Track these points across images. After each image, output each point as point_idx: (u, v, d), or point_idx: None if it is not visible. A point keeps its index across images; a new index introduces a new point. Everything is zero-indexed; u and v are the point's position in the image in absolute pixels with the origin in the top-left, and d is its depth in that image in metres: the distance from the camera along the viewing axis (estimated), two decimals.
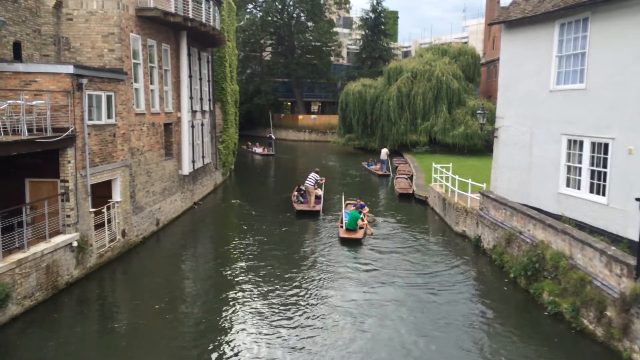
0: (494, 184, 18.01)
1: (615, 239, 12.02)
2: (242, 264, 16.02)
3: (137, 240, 17.46)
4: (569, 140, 14.17)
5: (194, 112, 23.90)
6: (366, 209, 21.60)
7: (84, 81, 13.93)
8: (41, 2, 16.16)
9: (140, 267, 16.00)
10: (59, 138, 12.99)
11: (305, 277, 14.75)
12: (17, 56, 15.45)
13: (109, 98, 15.63)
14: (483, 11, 57.12)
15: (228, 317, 12.08)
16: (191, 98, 23.25)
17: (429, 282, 14.52)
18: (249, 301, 13.02)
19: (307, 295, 13.40)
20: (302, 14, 62.62)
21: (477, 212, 18.12)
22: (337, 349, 10.57)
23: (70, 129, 13.50)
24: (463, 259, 16.70)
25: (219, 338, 11.07)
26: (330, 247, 17.84)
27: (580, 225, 13.15)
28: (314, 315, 12.16)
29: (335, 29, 64.99)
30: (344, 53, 70.82)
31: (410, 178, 30.44)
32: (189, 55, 22.79)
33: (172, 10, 18.97)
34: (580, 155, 13.72)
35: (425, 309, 12.67)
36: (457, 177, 21.12)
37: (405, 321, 11.94)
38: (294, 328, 11.47)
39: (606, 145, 12.80)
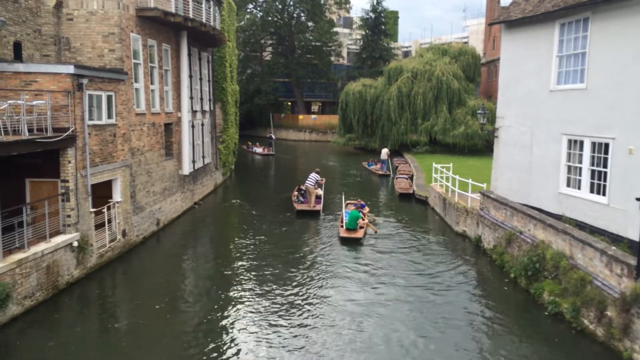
0: (495, 184, 18.00)
1: (615, 239, 12.02)
2: (243, 263, 16.02)
3: (137, 240, 17.46)
4: (569, 140, 14.17)
5: (194, 112, 23.90)
6: (366, 209, 21.60)
7: (85, 81, 13.94)
8: (41, 2, 16.17)
9: (140, 267, 16.00)
10: (60, 138, 12.99)
11: (305, 277, 14.75)
12: (18, 56, 15.46)
13: (109, 98, 15.63)
14: (483, 11, 57.17)
15: (228, 317, 12.08)
16: (191, 98, 23.25)
17: (429, 282, 14.52)
18: (249, 301, 13.02)
19: (307, 295, 13.41)
20: (302, 14, 62.63)
21: (477, 212, 18.11)
22: (337, 348, 10.57)
23: (71, 129, 13.50)
24: (463, 259, 16.70)
25: (219, 338, 11.07)
26: (331, 246, 17.84)
27: (581, 225, 13.15)
28: (314, 315, 12.16)
29: (335, 29, 65.00)
30: (344, 53, 70.83)
31: (411, 178, 30.44)
32: (189, 55, 22.80)
33: (173, 10, 18.97)
34: (581, 155, 13.72)
35: (425, 308, 12.67)
36: (457, 177, 21.13)
37: (405, 321, 11.94)
38: (294, 328, 11.47)
39: (606, 145, 12.80)
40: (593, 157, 13.30)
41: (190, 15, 20.30)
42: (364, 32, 63.07)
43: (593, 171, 13.30)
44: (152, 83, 19.14)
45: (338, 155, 46.71)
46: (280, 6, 60.88)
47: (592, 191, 13.33)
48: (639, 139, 11.79)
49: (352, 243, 18.10)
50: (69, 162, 13.63)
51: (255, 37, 61.87)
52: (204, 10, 21.99)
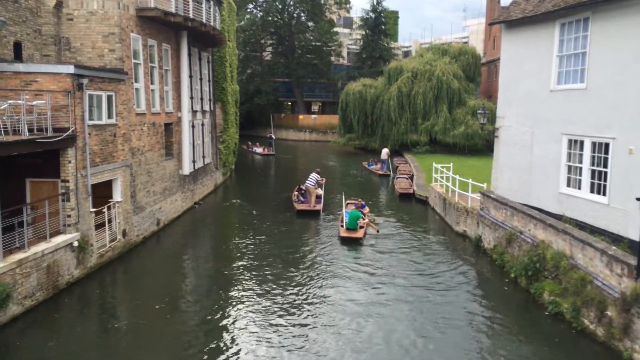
0: (495, 184, 18.00)
1: (615, 239, 12.01)
2: (243, 263, 16.02)
3: (137, 240, 17.46)
4: (570, 140, 14.16)
5: (194, 112, 23.90)
6: (366, 209, 21.59)
7: (85, 81, 13.94)
8: (42, 2, 16.17)
9: (140, 267, 16.00)
10: (60, 138, 12.99)
11: (306, 277, 14.75)
12: (18, 56, 15.46)
13: (109, 98, 15.63)
14: (483, 11, 57.15)
15: (229, 317, 12.08)
16: (191, 98, 23.25)
17: (429, 281, 14.52)
18: (249, 300, 13.02)
19: (307, 295, 13.40)
20: (302, 14, 62.64)
21: (477, 212, 18.11)
22: (337, 348, 10.56)
23: (71, 129, 13.50)
24: (463, 258, 16.69)
25: (219, 338, 11.07)
26: (331, 246, 17.84)
27: (581, 225, 13.15)
28: (314, 315, 12.16)
29: (335, 29, 65.00)
30: (345, 53, 70.83)
31: (411, 178, 30.43)
32: (190, 55, 22.79)
33: (173, 10, 18.97)
34: (581, 155, 13.72)
35: (425, 308, 12.66)
36: (457, 177, 21.12)
37: (405, 321, 11.93)
38: (294, 327, 11.47)
39: (607, 145, 12.79)
40: (593, 157, 13.30)
41: (191, 15, 20.30)
42: (364, 32, 63.08)
43: (593, 171, 13.30)
44: (152, 83, 19.14)
45: (338, 155, 46.71)
46: (280, 6, 60.88)
47: (592, 191, 13.33)
48: (639, 139, 11.79)
49: (352, 243, 18.11)
50: (69, 162, 13.64)
51: (255, 37, 61.88)
52: (204, 10, 21.99)
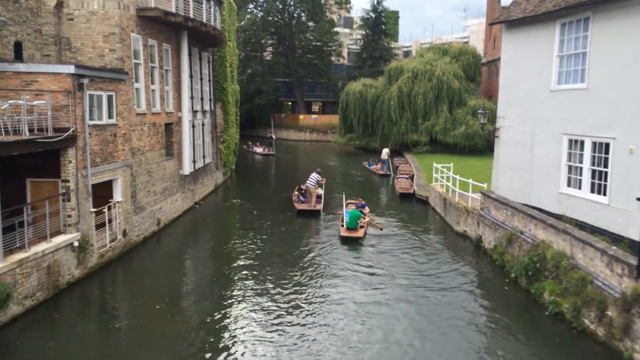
0: (495, 184, 18.00)
1: (616, 239, 12.01)
2: (243, 263, 16.03)
3: (138, 240, 17.46)
4: (570, 140, 14.16)
5: (194, 112, 23.91)
6: (367, 209, 21.59)
7: (85, 81, 13.94)
8: (42, 2, 16.17)
9: (141, 267, 16.01)
10: (60, 138, 13.00)
11: (306, 276, 14.75)
12: (18, 56, 15.46)
13: (109, 98, 15.64)
14: (484, 11, 57.12)
15: (229, 317, 12.08)
16: (192, 98, 23.25)
17: (430, 281, 14.52)
18: (249, 300, 13.02)
19: (308, 294, 13.40)
20: (302, 14, 62.66)
21: (478, 212, 18.11)
22: (337, 348, 10.56)
23: (71, 129, 13.50)
24: (464, 258, 16.69)
25: (219, 338, 11.06)
26: (331, 246, 17.84)
27: (581, 225, 13.14)
28: (314, 314, 12.16)
29: (336, 29, 65.01)
30: (345, 53, 70.82)
31: (411, 178, 30.43)
32: (190, 55, 22.80)
33: (173, 10, 18.97)
34: (581, 155, 13.71)
35: (425, 308, 12.66)
36: (458, 177, 21.12)
37: (405, 321, 11.93)
38: (294, 327, 11.47)
39: (607, 145, 12.79)
40: (594, 157, 13.29)
41: (191, 15, 20.30)
42: (364, 32, 63.10)
43: (594, 171, 13.29)
44: (152, 83, 19.14)
45: (338, 155, 46.72)
46: (280, 6, 60.90)
47: (592, 191, 13.32)
48: None
49: (352, 242, 18.11)
50: (70, 162, 13.64)
51: (255, 37, 61.90)
52: (205, 10, 21.99)
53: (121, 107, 16.27)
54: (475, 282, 14.78)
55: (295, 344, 10.75)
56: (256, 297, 13.24)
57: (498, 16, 20.42)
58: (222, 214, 24.25)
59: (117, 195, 16.16)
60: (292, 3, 61.54)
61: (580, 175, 13.74)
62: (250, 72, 64.82)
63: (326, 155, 46.16)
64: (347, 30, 74.40)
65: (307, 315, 12.16)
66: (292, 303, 12.84)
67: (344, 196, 23.13)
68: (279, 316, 12.06)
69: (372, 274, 15.01)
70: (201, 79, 25.60)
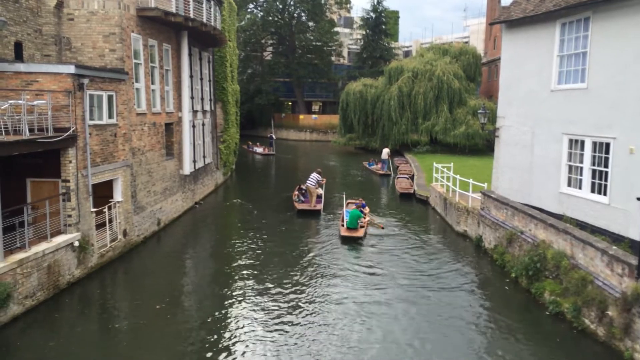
0: (495, 184, 18.00)
1: (616, 239, 12.01)
2: (243, 263, 16.03)
3: (138, 240, 17.47)
4: (570, 140, 14.16)
5: (195, 112, 23.91)
6: (367, 209, 21.59)
7: (85, 81, 13.94)
8: (42, 2, 16.17)
9: (141, 267, 16.01)
10: (60, 138, 13.00)
11: (306, 276, 14.75)
12: (19, 56, 15.47)
13: (110, 98, 15.64)
14: (484, 11, 57.09)
15: (229, 317, 12.09)
16: (192, 98, 23.25)
17: (430, 281, 14.52)
18: (250, 300, 13.02)
19: (308, 294, 13.40)
20: (303, 14, 62.66)
21: (478, 211, 18.10)
22: (337, 348, 10.56)
23: (72, 129, 13.50)
24: (464, 258, 16.69)
25: (220, 338, 11.07)
26: (331, 245, 17.84)
27: (582, 225, 13.14)
28: (314, 314, 12.16)
29: (336, 29, 65.00)
30: (345, 53, 70.81)
31: (412, 178, 30.43)
32: (190, 55, 22.80)
33: (173, 10, 18.97)
34: (582, 155, 13.71)
35: (425, 308, 12.66)
36: (458, 176, 21.12)
37: (405, 320, 11.93)
38: (294, 327, 11.47)
39: (607, 144, 12.79)
40: (594, 156, 13.29)
41: (191, 15, 20.31)
42: (364, 32, 63.08)
43: (594, 171, 13.29)
44: (152, 83, 19.14)
45: (339, 155, 46.72)
46: (280, 6, 60.89)
47: (593, 191, 13.32)
48: None
49: (352, 242, 18.11)
50: (70, 162, 13.64)
51: (255, 36, 61.91)
52: (205, 10, 21.99)
53: (121, 107, 16.28)
54: (476, 282, 14.78)
55: (296, 343, 10.75)
56: (256, 297, 13.24)
57: (498, 16, 20.42)
58: (222, 214, 24.25)
59: (118, 195, 16.16)
60: (292, 3, 61.53)
61: (581, 175, 13.74)
62: (251, 72, 64.82)
63: (326, 155, 46.16)
64: (347, 30, 74.39)
65: (307, 314, 12.17)
66: (293, 303, 12.84)
67: (344, 196, 23.13)
68: (279, 316, 12.06)
69: (372, 274, 15.01)
70: (201, 79, 25.60)
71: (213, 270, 15.75)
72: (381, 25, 62.16)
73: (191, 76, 23.04)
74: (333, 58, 65.94)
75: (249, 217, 22.50)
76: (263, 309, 12.47)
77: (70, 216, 13.68)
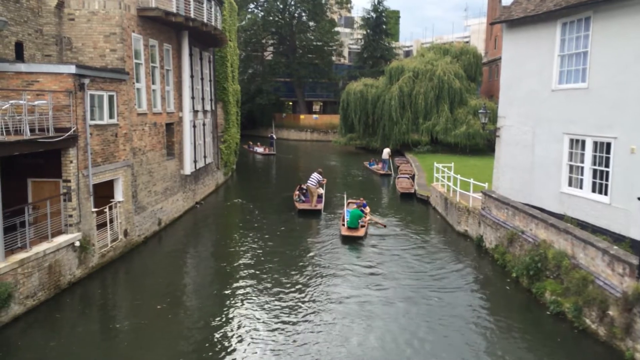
0: (496, 184, 17.99)
1: (617, 239, 12.00)
2: (244, 262, 16.03)
3: (139, 240, 17.47)
4: (571, 140, 14.15)
5: (195, 112, 23.92)
6: (367, 209, 21.59)
7: (86, 81, 13.95)
8: (43, 2, 16.18)
9: (142, 267, 16.01)
10: (61, 138, 13.01)
11: (306, 276, 14.76)
12: (19, 56, 15.48)
13: (110, 98, 15.65)
14: (485, 10, 57.08)
15: (230, 317, 12.09)
16: (193, 98, 23.26)
17: (430, 281, 14.51)
18: (250, 300, 13.02)
19: (308, 294, 13.40)
20: (303, 14, 62.66)
21: (479, 211, 18.10)
22: (337, 347, 10.56)
23: (73, 129, 13.51)
24: (465, 258, 16.68)
25: (220, 338, 11.07)
26: (332, 245, 17.84)
27: (583, 225, 13.13)
28: (315, 314, 12.16)
29: (336, 29, 65.02)
30: (346, 53, 70.79)
31: (412, 177, 30.42)
32: (191, 55, 22.81)
33: (174, 10, 18.99)
34: (583, 155, 13.70)
35: (425, 308, 12.65)
36: (459, 176, 21.11)
37: (405, 320, 11.93)
38: (295, 327, 11.48)
39: (608, 144, 12.78)
40: (595, 156, 13.28)
41: (192, 15, 20.32)
42: (365, 32, 63.05)
43: (595, 171, 13.29)
44: (153, 83, 19.15)
45: (339, 155, 46.72)
46: (281, 6, 60.91)
47: (594, 190, 13.32)
48: None
49: (353, 242, 18.11)
50: (71, 162, 13.65)
51: (256, 36, 61.92)
52: (205, 10, 22.00)
53: (122, 107, 16.29)
54: (476, 282, 14.77)
55: (296, 343, 10.75)
56: (257, 297, 13.24)
57: (499, 16, 20.40)
58: (223, 214, 24.26)
59: (118, 195, 16.17)
60: (292, 3, 61.54)
61: (582, 174, 13.73)
62: (251, 72, 64.84)
63: (327, 155, 46.16)
64: (347, 30, 74.38)
65: (307, 314, 12.17)
66: (293, 302, 12.84)
67: (345, 196, 23.13)
68: (279, 315, 12.07)
69: (372, 274, 15.01)
70: (202, 78, 25.61)
71: (214, 270, 15.76)
72: (382, 25, 62.12)
73: (192, 76, 23.05)
74: (334, 58, 65.93)
75: (250, 217, 22.50)
76: (264, 309, 12.47)
77: (71, 216, 13.69)
